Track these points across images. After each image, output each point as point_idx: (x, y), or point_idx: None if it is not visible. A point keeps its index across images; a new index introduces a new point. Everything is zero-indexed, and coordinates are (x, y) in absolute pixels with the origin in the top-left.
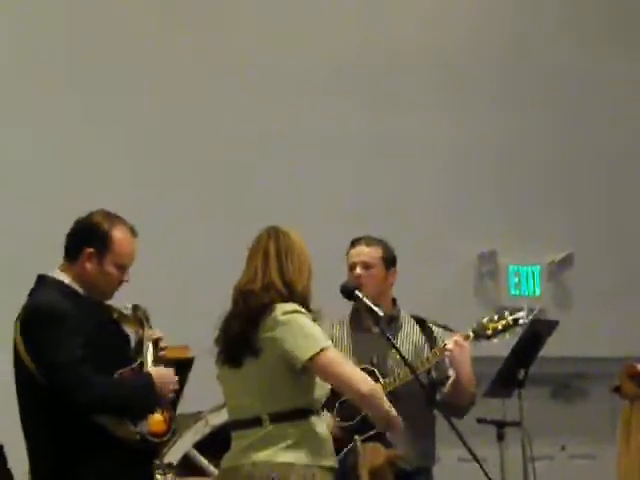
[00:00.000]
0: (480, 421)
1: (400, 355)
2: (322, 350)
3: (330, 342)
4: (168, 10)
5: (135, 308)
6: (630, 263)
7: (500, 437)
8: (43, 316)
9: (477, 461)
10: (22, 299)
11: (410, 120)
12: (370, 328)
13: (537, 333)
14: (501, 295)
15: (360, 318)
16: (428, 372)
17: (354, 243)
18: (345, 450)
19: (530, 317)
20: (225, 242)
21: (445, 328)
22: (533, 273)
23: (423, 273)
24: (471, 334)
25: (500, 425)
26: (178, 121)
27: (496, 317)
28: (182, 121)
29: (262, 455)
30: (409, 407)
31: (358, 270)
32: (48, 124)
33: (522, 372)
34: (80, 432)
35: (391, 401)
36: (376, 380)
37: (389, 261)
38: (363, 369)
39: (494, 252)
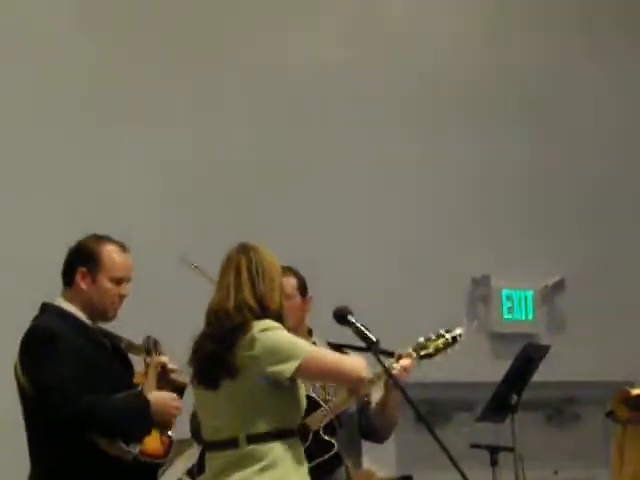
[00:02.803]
0: (473, 446)
1: (390, 375)
2: (304, 358)
3: (309, 345)
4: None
5: (147, 339)
6: (622, 288)
7: (493, 462)
8: (36, 336)
9: None
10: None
11: (395, 141)
12: None
13: (530, 358)
14: (494, 319)
15: None
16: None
17: None
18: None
19: (467, 332)
20: None
21: (383, 352)
22: (526, 297)
23: (417, 296)
24: (414, 353)
25: (493, 450)
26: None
27: (433, 336)
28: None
29: (237, 477)
30: (348, 432)
31: None
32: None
33: (515, 397)
34: (77, 450)
35: (334, 427)
36: (316, 406)
37: (303, 289)
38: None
39: (488, 276)
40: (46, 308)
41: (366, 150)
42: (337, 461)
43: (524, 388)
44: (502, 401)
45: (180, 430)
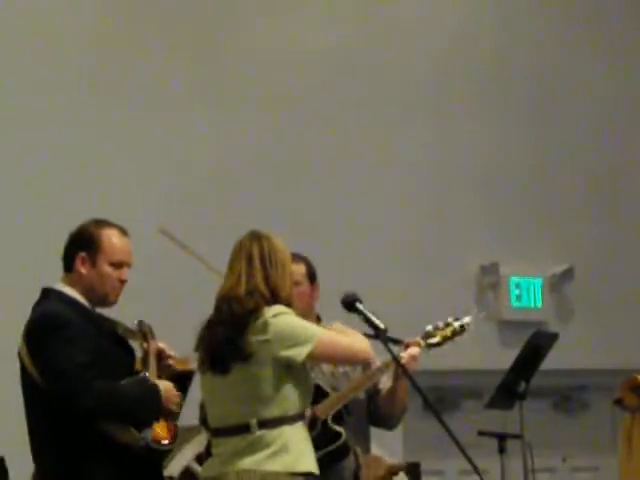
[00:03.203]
0: (481, 433)
1: (398, 364)
2: (317, 342)
3: (320, 329)
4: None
5: (140, 323)
6: (630, 276)
7: (501, 449)
8: (46, 324)
9: (478, 473)
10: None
11: (403, 135)
12: None
13: (538, 346)
14: (503, 307)
15: None
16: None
17: None
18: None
19: (476, 321)
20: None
21: (391, 340)
22: (534, 285)
23: (424, 285)
24: (422, 342)
25: (501, 437)
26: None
27: (441, 324)
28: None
29: (247, 462)
30: (357, 419)
31: None
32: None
33: (523, 384)
34: (85, 440)
35: (342, 415)
36: (324, 395)
37: (312, 276)
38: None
39: (496, 264)
40: (48, 293)
41: (371, 135)
42: (345, 450)
43: (532, 376)
44: (510, 389)
45: (188, 417)
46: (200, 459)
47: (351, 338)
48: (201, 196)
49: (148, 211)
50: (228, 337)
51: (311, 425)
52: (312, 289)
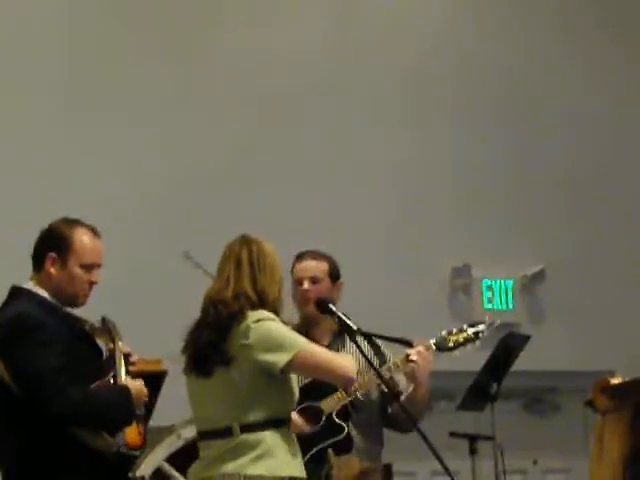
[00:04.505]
0: (453, 435)
1: (372, 367)
2: (298, 351)
3: (304, 339)
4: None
5: (104, 321)
6: (601, 278)
7: (473, 451)
8: (18, 326)
9: (450, 475)
10: None
11: (377, 136)
12: (319, 339)
13: (510, 347)
14: (475, 309)
15: (309, 328)
16: (379, 386)
17: (300, 257)
18: (308, 456)
19: (489, 330)
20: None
21: (400, 341)
22: (506, 287)
23: (397, 286)
24: (433, 345)
25: (473, 439)
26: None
27: (455, 330)
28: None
29: (231, 466)
30: (366, 417)
31: (306, 285)
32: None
33: (495, 386)
34: (56, 445)
35: (348, 411)
36: (335, 390)
37: (335, 275)
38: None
39: (468, 266)
40: (18, 293)
41: (346, 137)
42: (348, 444)
43: (504, 377)
44: (482, 390)
45: (160, 417)
46: (172, 460)
47: (335, 355)
48: (177, 197)
49: (123, 212)
50: (211, 340)
51: (316, 419)
52: (334, 287)
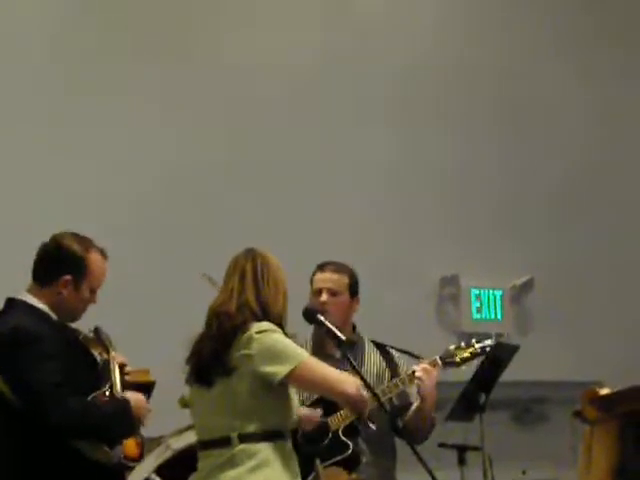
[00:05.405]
0: (441, 445)
1: (363, 381)
2: (298, 364)
3: (306, 353)
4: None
5: (97, 331)
6: (589, 288)
7: (461, 461)
8: (17, 339)
9: None
10: None
11: (365, 139)
12: (332, 353)
13: (498, 357)
14: (463, 319)
15: (322, 342)
16: (390, 398)
17: (322, 268)
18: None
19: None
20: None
21: (410, 354)
22: (495, 297)
23: (385, 296)
24: (439, 361)
25: (461, 449)
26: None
27: (463, 344)
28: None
29: (229, 476)
30: (377, 430)
31: (324, 296)
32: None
33: (483, 396)
34: (54, 458)
35: (356, 427)
36: (336, 410)
37: (354, 289)
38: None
39: (456, 276)
40: (14, 304)
41: (333, 144)
42: (354, 461)
43: (493, 388)
44: (470, 400)
45: (149, 428)
46: (160, 471)
47: (336, 371)
48: (165, 200)
49: (112, 215)
50: (214, 351)
51: (322, 435)
52: (352, 301)
